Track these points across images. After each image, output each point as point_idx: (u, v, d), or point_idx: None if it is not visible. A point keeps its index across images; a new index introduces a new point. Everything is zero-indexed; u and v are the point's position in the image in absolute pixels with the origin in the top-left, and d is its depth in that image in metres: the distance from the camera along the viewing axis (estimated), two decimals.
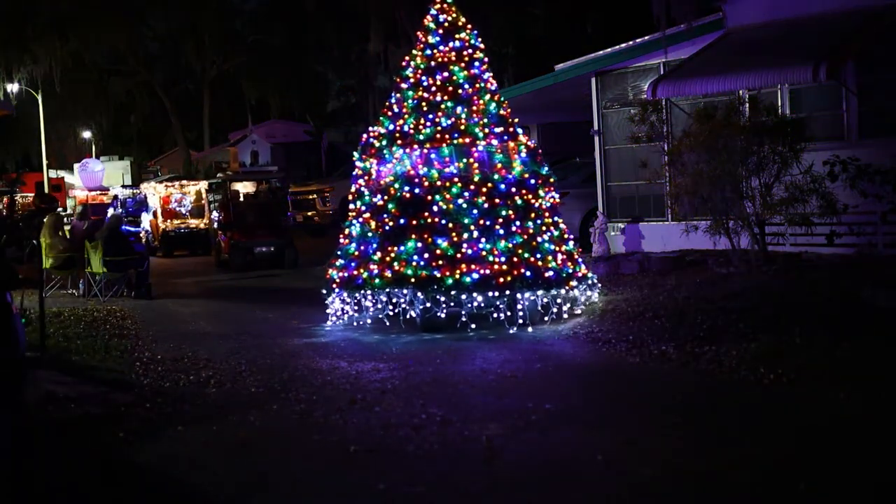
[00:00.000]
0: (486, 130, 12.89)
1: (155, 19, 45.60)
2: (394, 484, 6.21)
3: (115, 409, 8.41)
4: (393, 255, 12.16)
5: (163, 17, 45.51)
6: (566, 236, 13.14)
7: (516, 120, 13.47)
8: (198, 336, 12.78)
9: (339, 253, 13.13)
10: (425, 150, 12.69)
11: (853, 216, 14.63)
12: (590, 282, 13.18)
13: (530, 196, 12.66)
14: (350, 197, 13.38)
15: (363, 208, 12.94)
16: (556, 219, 13.03)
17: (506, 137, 13.04)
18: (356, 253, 12.70)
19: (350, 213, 13.26)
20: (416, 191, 12.36)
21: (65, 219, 25.53)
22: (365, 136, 13.46)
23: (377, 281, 12.20)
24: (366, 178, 13.13)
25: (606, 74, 19.03)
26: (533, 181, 12.79)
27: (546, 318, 12.35)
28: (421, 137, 12.81)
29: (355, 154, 13.45)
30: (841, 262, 13.96)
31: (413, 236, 12.15)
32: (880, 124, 15.35)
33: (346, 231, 13.19)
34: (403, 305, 12.49)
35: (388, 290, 12.37)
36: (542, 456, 6.76)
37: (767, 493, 5.81)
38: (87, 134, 57.12)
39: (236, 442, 7.42)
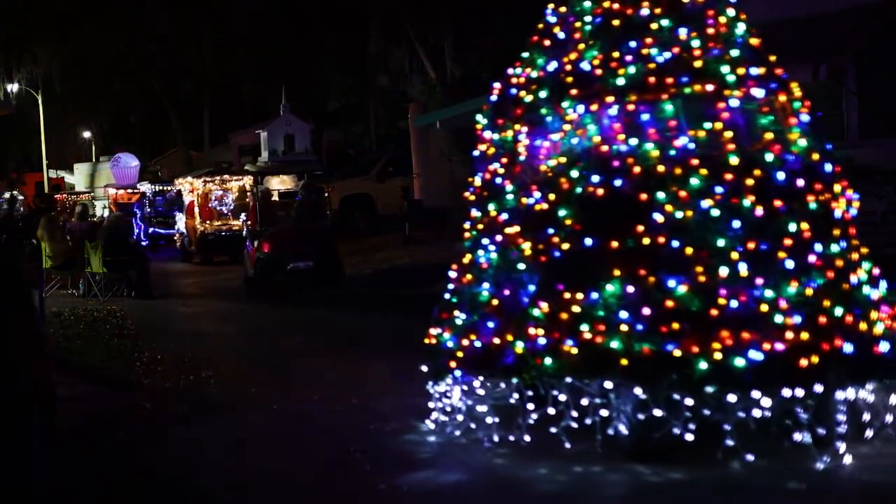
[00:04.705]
0: (742, 71, 6.87)
1: (155, 19, 45.61)
2: (393, 484, 6.22)
3: (115, 409, 8.41)
4: (577, 309, 6.27)
5: (163, 17, 45.52)
6: (875, 270, 7.16)
7: (774, 57, 7.39)
8: (198, 336, 12.77)
9: (452, 299, 7.12)
10: (628, 108, 6.70)
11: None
12: None
13: (829, 196, 6.75)
14: (470, 196, 7.41)
15: (504, 217, 6.92)
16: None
17: (773, 86, 7.04)
18: (494, 302, 6.72)
19: (468, 227, 7.35)
20: (617, 183, 6.47)
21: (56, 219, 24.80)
22: (498, 85, 7.48)
23: (548, 362, 6.21)
24: (503, 160, 7.17)
25: None
26: (829, 167, 6.88)
27: (870, 433, 6.41)
28: (619, 83, 6.77)
29: (479, 120, 7.49)
30: None
31: (616, 272, 6.25)
32: (880, 124, 15.37)
33: (468, 257, 7.15)
34: (603, 412, 6.24)
35: (569, 379, 6.24)
36: None
37: (768, 492, 5.82)
38: (87, 134, 57.20)
39: (236, 442, 7.42)
